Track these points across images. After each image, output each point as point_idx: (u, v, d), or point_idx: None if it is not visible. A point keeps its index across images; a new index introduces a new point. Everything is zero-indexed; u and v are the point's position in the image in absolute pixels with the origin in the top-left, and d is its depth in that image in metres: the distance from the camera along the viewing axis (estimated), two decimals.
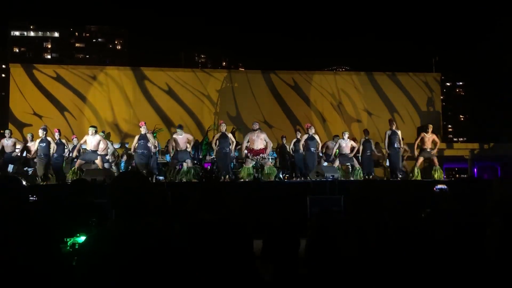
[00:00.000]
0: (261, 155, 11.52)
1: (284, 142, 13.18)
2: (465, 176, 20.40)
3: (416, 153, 12.06)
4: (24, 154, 11.72)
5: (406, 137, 12.34)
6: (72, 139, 12.76)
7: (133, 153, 11.46)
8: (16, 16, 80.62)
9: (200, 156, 14.11)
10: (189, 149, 11.69)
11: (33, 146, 11.48)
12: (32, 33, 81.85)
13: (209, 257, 2.45)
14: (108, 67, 22.29)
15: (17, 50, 78.98)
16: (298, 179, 12.20)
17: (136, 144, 11.06)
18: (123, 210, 2.03)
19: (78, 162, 11.27)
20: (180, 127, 11.66)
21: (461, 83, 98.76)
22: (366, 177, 12.36)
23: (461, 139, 74.09)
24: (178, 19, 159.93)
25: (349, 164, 12.58)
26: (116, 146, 16.98)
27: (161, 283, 1.89)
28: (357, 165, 12.29)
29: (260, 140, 11.51)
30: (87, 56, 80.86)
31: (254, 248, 2.84)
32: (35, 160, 11.46)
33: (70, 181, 11.09)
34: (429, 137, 12.00)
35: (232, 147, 11.74)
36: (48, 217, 2.45)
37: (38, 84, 18.92)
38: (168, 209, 3.10)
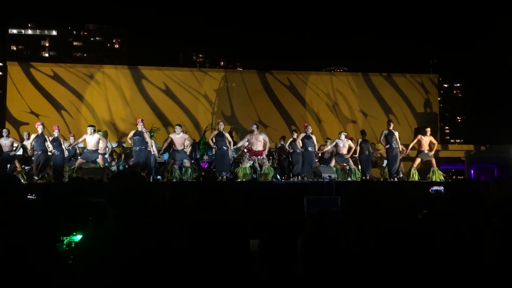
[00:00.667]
0: (259, 156, 11.54)
1: (283, 143, 13.17)
2: (462, 177, 20.46)
3: (410, 152, 12.09)
4: (21, 152, 11.67)
5: (401, 138, 12.35)
6: (69, 138, 12.71)
7: (129, 142, 11.43)
8: (14, 14, 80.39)
9: (198, 156, 14.10)
10: (186, 149, 11.67)
11: (29, 142, 11.39)
12: (30, 31, 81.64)
13: (208, 257, 2.45)
14: (105, 66, 22.21)
15: (15, 48, 78.75)
16: (295, 180, 12.22)
17: (132, 139, 11.04)
18: (121, 209, 2.03)
19: (79, 161, 11.24)
20: (179, 126, 11.65)
21: (458, 84, 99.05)
22: (363, 178, 12.37)
23: (458, 140, 74.27)
24: (177, 19, 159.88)
25: (345, 164, 12.57)
26: (114, 145, 16.96)
27: (159, 282, 1.88)
28: (352, 166, 12.30)
29: (259, 142, 11.54)
30: (85, 55, 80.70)
31: (251, 248, 2.84)
32: (32, 158, 11.39)
33: (67, 180, 11.06)
34: (426, 140, 12.02)
35: (230, 147, 11.73)
36: (46, 216, 2.44)
37: (36, 82, 18.85)
38: (167, 209, 3.09)
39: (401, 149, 12.37)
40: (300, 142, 12.22)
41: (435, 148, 12.21)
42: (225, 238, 2.54)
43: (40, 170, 11.01)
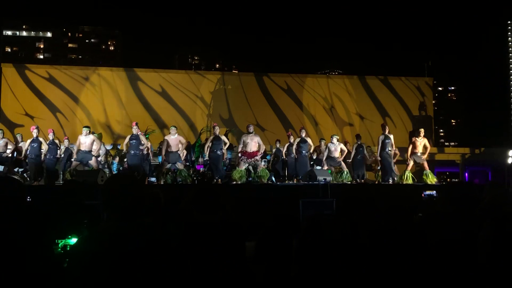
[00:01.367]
0: (254, 157, 11.52)
1: (278, 146, 13.18)
2: (456, 180, 20.54)
3: (407, 157, 12.10)
4: (15, 155, 11.61)
5: (397, 141, 12.40)
6: (64, 140, 12.67)
7: (125, 150, 11.38)
8: (9, 15, 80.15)
9: (193, 158, 14.08)
10: (180, 152, 11.64)
11: (24, 146, 11.36)
12: (24, 33, 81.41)
13: (203, 257, 2.45)
14: (101, 68, 22.22)
15: (9, 50, 78.51)
16: (291, 182, 12.22)
17: (128, 144, 10.99)
18: (115, 211, 2.03)
19: (74, 163, 11.20)
20: (174, 127, 11.63)
21: (453, 87, 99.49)
22: (358, 180, 12.39)
23: (453, 143, 74.57)
24: (172, 21, 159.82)
25: (338, 166, 12.60)
26: (108, 147, 16.93)
27: (154, 284, 1.88)
28: (345, 169, 12.32)
29: (253, 143, 11.52)
30: (80, 57, 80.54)
31: (247, 250, 2.84)
32: (26, 160, 11.34)
33: (62, 182, 11.02)
34: (421, 141, 12.03)
35: (225, 148, 11.73)
36: (43, 218, 2.45)
37: (30, 84, 18.81)
38: (161, 211, 3.09)
39: (396, 152, 12.39)
40: (296, 146, 12.26)
41: (428, 152, 12.22)
42: (220, 239, 2.55)
43: (36, 175, 11.00)
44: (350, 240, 2.46)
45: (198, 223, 2.59)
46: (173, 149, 11.33)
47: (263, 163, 11.98)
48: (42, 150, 11.15)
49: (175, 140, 11.39)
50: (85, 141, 11.07)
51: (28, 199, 6.74)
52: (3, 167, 11.11)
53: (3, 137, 11.40)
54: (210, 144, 11.47)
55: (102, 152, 12.42)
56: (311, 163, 12.68)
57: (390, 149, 11.93)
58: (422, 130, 12.24)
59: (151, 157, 12.46)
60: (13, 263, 2.17)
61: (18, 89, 18.68)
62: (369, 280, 2.40)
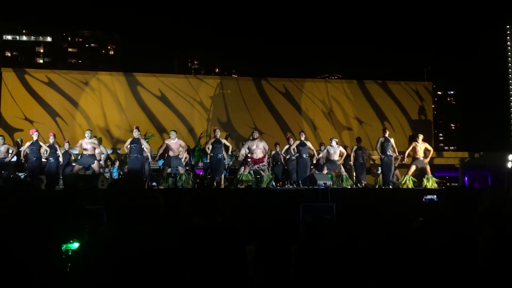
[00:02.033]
0: (260, 164, 11.59)
1: (278, 149, 13.19)
2: (456, 184, 20.55)
3: (406, 160, 12.11)
4: (15, 159, 11.61)
5: (396, 145, 12.40)
6: (64, 144, 12.67)
7: (126, 151, 11.39)
8: (9, 19, 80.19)
9: (193, 162, 14.07)
10: (181, 156, 11.64)
11: (23, 149, 11.36)
12: (24, 37, 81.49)
13: (203, 262, 2.46)
14: (100, 72, 22.24)
15: (9, 54, 78.55)
16: (291, 187, 12.23)
17: (129, 147, 11.00)
18: (116, 216, 2.04)
19: (76, 167, 11.21)
20: (174, 131, 11.64)
21: (452, 92, 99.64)
22: (358, 185, 12.39)
23: (452, 147, 74.61)
24: (171, 25, 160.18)
25: (338, 170, 12.60)
26: (108, 151, 16.93)
27: None
28: (344, 173, 12.31)
29: (259, 150, 11.58)
30: (80, 61, 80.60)
31: (247, 255, 2.85)
32: (26, 165, 11.35)
33: (62, 187, 11.01)
34: (421, 146, 12.04)
35: (226, 154, 11.74)
36: (50, 222, 2.48)
37: (30, 89, 18.82)
38: (161, 216, 3.10)
39: (396, 156, 12.41)
40: (295, 148, 12.24)
41: (430, 155, 12.23)
42: (219, 244, 2.56)
43: (34, 177, 10.97)
44: (349, 245, 2.47)
45: (197, 228, 2.59)
46: (174, 153, 11.34)
47: (265, 171, 11.97)
48: (42, 153, 11.16)
49: (175, 144, 11.39)
50: (88, 144, 11.08)
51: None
52: (4, 172, 11.10)
53: (4, 143, 11.40)
54: (210, 146, 11.51)
55: (103, 156, 12.44)
56: (311, 167, 12.68)
57: (390, 153, 11.95)
58: (421, 136, 12.25)
59: (151, 161, 12.45)
60: (15, 267, 2.19)
61: (18, 94, 18.69)
62: (368, 284, 2.41)
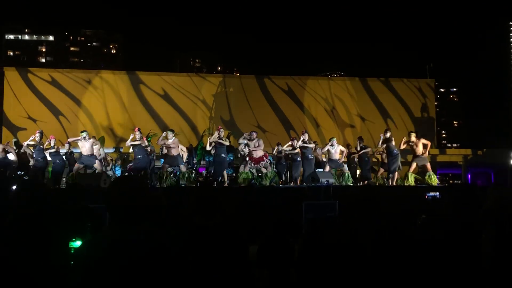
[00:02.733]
0: (261, 162, 11.73)
1: (280, 148, 13.19)
2: (459, 182, 20.50)
3: (402, 147, 12.09)
4: (14, 158, 11.66)
5: (398, 143, 12.40)
6: (65, 145, 12.67)
7: (128, 143, 11.49)
8: (11, 19, 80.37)
9: (195, 161, 14.11)
10: (182, 153, 11.75)
11: (27, 150, 11.44)
12: (26, 37, 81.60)
13: (205, 263, 2.45)
14: (103, 71, 22.24)
15: (12, 54, 78.70)
16: (293, 185, 12.25)
17: (132, 149, 11.15)
18: (118, 215, 2.04)
19: (76, 166, 11.25)
20: (171, 131, 11.68)
21: (455, 89, 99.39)
22: (363, 182, 12.43)
23: (455, 145, 74.46)
24: (173, 24, 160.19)
25: (340, 169, 12.63)
26: (111, 150, 16.95)
27: None
28: (346, 171, 12.36)
29: (259, 148, 11.74)
30: (82, 60, 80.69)
31: (250, 254, 2.84)
32: (30, 164, 11.41)
33: (65, 186, 11.05)
34: (417, 142, 12.01)
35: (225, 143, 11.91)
36: (56, 221, 2.54)
37: (33, 87, 18.85)
38: (164, 216, 3.10)
39: (381, 150, 12.61)
40: (300, 150, 12.35)
41: (428, 148, 12.24)
42: (221, 244, 2.55)
43: (38, 177, 11.06)
44: (352, 243, 2.46)
45: (199, 228, 2.59)
46: (173, 152, 11.40)
47: (268, 168, 12.04)
48: (46, 153, 11.26)
49: (173, 143, 11.46)
50: (84, 144, 11.12)
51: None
52: (6, 170, 11.14)
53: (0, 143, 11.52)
54: (213, 145, 11.71)
55: (101, 155, 12.49)
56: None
57: (396, 151, 12.05)
58: (412, 134, 12.19)
59: (154, 160, 12.50)
60: (23, 265, 2.27)
61: (21, 93, 18.72)
62: (371, 283, 2.40)
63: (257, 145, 11.71)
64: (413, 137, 12.04)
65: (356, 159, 13.06)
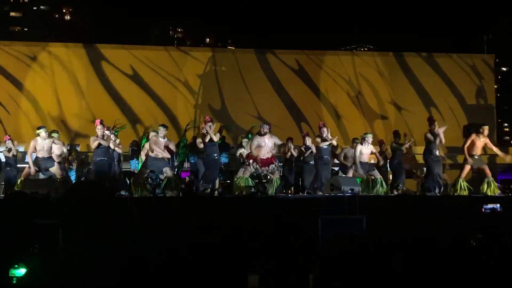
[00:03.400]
0: (271, 166, 11.87)
1: (290, 146, 13.22)
2: None
3: (466, 157, 12.03)
4: None
5: (448, 139, 12.44)
6: (5, 141, 12.70)
7: (92, 147, 11.63)
8: None
9: (176, 163, 14.21)
10: (167, 154, 11.92)
11: None
12: None
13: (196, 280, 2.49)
14: (52, 44, 22.26)
15: None
16: (307, 194, 12.34)
17: (93, 150, 11.26)
18: (76, 232, 2.06)
19: (27, 170, 11.39)
20: (165, 126, 12.17)
21: None
22: (395, 191, 12.45)
23: None
24: None
25: (370, 173, 12.67)
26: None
27: None
28: (378, 176, 12.39)
29: (269, 148, 11.91)
30: (26, 29, 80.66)
31: (250, 285, 2.86)
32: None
33: (3, 196, 11.10)
34: (482, 141, 12.04)
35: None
36: None
37: None
38: (134, 229, 3.13)
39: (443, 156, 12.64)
40: (315, 150, 12.56)
41: (493, 151, 12.31)
42: (214, 264, 2.58)
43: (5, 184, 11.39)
44: (384, 269, 2.47)
45: (192, 244, 2.62)
46: (158, 154, 11.56)
47: (276, 174, 12.11)
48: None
49: (163, 143, 11.67)
50: (44, 145, 11.24)
51: None
52: None
53: None
54: (203, 145, 12.04)
55: (61, 156, 12.62)
56: (337, 168, 12.84)
57: (439, 153, 12.05)
58: (486, 128, 12.19)
59: (122, 161, 12.56)
60: None
61: None
62: None
63: (271, 144, 11.98)
64: (486, 132, 12.09)
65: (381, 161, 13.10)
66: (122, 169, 13.36)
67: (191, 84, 19.91)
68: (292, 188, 13.62)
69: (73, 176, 13.40)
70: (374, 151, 12.81)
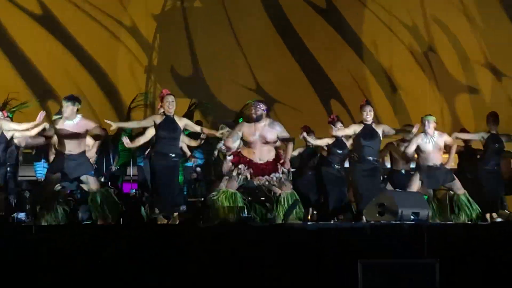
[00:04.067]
0: (272, 175, 11.59)
1: (309, 141, 13.19)
2: None
3: None
4: None
5: None
6: None
7: None
8: None
9: (113, 167, 14.36)
10: (91, 153, 11.86)
11: None
12: None
13: None
14: None
15: None
16: (337, 221, 12.47)
17: None
18: None
19: None
20: (71, 99, 11.65)
21: None
22: (494, 216, 12.43)
23: None
24: None
25: (445, 186, 12.75)
26: None
27: None
28: (460, 190, 12.36)
29: (267, 144, 11.57)
30: None
31: None
32: None
33: None
34: None
35: (186, 143, 11.86)
36: None
37: None
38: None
39: None
40: (352, 144, 12.64)
41: None
42: None
43: None
44: None
45: None
46: (72, 148, 11.45)
47: (285, 187, 12.00)
48: None
49: (75, 127, 11.49)
50: None
51: None
52: None
53: None
54: (156, 137, 11.76)
55: None
56: (384, 177, 12.78)
57: None
58: None
59: (21, 164, 12.59)
60: None
61: None
62: None
63: (270, 137, 11.63)
64: None
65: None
66: (20, 178, 13.31)
67: (141, 31, 19.95)
68: (313, 211, 13.56)
69: None
70: (450, 140, 12.65)
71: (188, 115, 13.25)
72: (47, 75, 19.31)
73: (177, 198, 11.88)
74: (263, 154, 11.51)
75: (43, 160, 13.75)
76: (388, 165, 13.86)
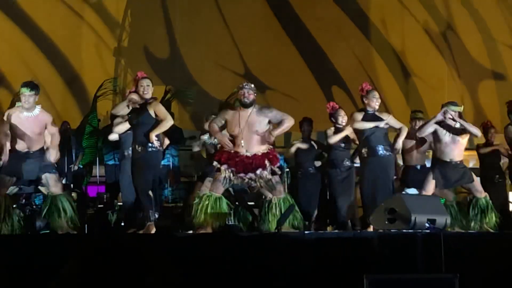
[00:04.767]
0: (258, 172, 11.51)
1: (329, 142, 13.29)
2: None
3: None
4: None
5: None
6: None
7: None
8: None
9: (77, 166, 14.34)
10: (50, 149, 11.81)
11: None
12: None
13: None
14: None
15: None
16: (341, 230, 12.51)
17: None
18: None
19: None
20: (29, 86, 11.61)
21: None
22: None
23: None
24: None
25: (465, 186, 12.72)
26: None
27: None
28: (480, 193, 12.41)
29: (256, 134, 11.49)
30: None
31: None
32: None
33: None
34: None
35: (163, 142, 11.87)
36: None
37: None
38: None
39: None
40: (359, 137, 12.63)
41: None
42: None
43: None
44: None
45: None
46: (30, 145, 11.48)
47: (277, 188, 12.00)
48: None
49: (33, 121, 11.50)
50: None
51: None
52: None
53: None
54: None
55: None
56: (394, 177, 12.86)
57: None
58: None
59: None
60: None
61: None
62: None
63: (259, 127, 11.54)
64: None
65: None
66: None
67: (108, 8, 19.97)
68: (313, 216, 13.63)
69: None
70: (476, 131, 12.64)
71: (165, 105, 13.22)
72: None
73: (156, 200, 11.86)
74: (251, 146, 11.35)
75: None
76: (401, 162, 13.79)
